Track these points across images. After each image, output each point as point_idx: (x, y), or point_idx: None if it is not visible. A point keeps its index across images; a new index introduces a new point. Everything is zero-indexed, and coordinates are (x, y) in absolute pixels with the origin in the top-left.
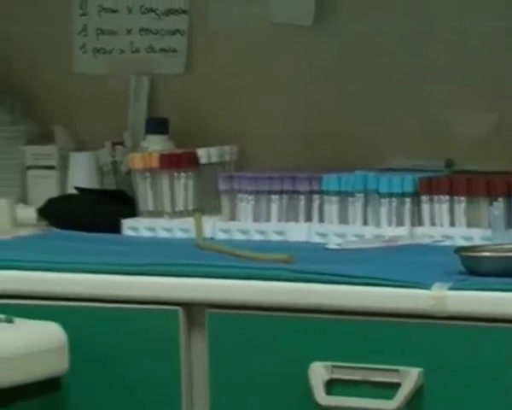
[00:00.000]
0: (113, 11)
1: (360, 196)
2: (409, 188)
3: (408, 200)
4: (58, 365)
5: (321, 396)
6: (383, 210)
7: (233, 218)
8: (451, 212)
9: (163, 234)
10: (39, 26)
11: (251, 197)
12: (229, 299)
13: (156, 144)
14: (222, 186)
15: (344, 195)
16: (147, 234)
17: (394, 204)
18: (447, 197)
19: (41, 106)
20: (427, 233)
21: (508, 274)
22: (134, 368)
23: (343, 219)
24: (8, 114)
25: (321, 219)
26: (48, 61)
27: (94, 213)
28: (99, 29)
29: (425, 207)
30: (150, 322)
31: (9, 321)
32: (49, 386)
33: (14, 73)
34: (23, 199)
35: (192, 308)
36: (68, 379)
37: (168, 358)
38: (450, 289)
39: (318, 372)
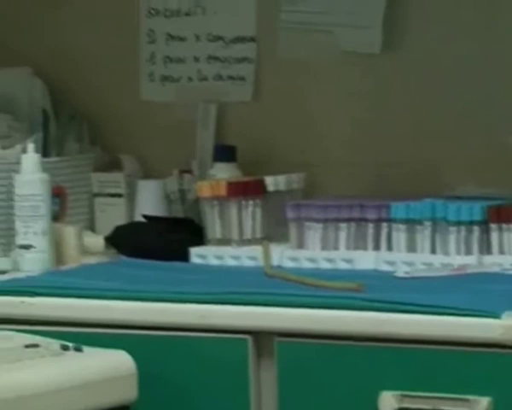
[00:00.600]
0: (181, 39)
1: (428, 224)
2: (477, 216)
3: (476, 228)
4: (127, 393)
5: None
6: (451, 238)
7: (301, 246)
8: None
9: (231, 262)
10: (108, 55)
11: (319, 225)
12: (299, 327)
13: (224, 172)
14: (290, 214)
15: (412, 223)
16: (215, 262)
17: (463, 232)
18: None
19: (109, 134)
20: (496, 262)
21: None
22: (203, 396)
23: (411, 248)
24: (76, 142)
25: (389, 247)
26: (116, 88)
27: (162, 241)
28: (167, 57)
29: (494, 236)
30: (219, 350)
31: (78, 350)
32: None
33: (83, 101)
34: (91, 227)
35: (261, 337)
36: (137, 407)
37: (237, 386)
38: None
39: (388, 402)
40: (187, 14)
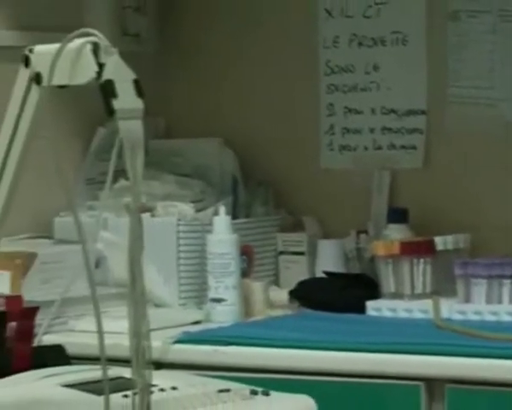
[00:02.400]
0: (358, 112)
1: None
2: None
3: None
4: None
5: None
6: None
7: (468, 300)
8: None
9: (403, 314)
10: (291, 128)
11: (484, 281)
12: (468, 375)
13: (397, 233)
14: (457, 271)
15: None
16: (389, 314)
17: None
18: None
19: (292, 198)
20: None
21: None
22: None
23: None
24: (262, 206)
25: None
26: (298, 158)
27: (341, 295)
28: (345, 128)
29: None
30: (395, 396)
31: (266, 394)
32: None
33: (269, 169)
34: (276, 282)
35: (433, 384)
36: None
37: None
38: None
39: None
40: (363, 90)
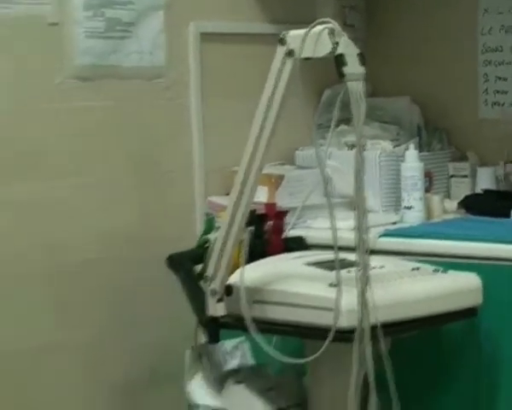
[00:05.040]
0: (505, 79)
1: None
2: None
3: None
4: (474, 299)
5: None
6: None
7: None
8: None
9: None
10: (459, 90)
11: None
12: None
13: None
14: None
15: None
16: None
17: None
18: None
19: (459, 138)
20: None
21: None
22: None
23: None
24: (438, 144)
25: None
26: (463, 111)
27: (494, 205)
28: (495, 90)
29: None
30: None
31: (444, 272)
32: (467, 313)
33: (442, 118)
34: (448, 196)
35: None
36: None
37: None
38: None
39: None
40: (508, 64)
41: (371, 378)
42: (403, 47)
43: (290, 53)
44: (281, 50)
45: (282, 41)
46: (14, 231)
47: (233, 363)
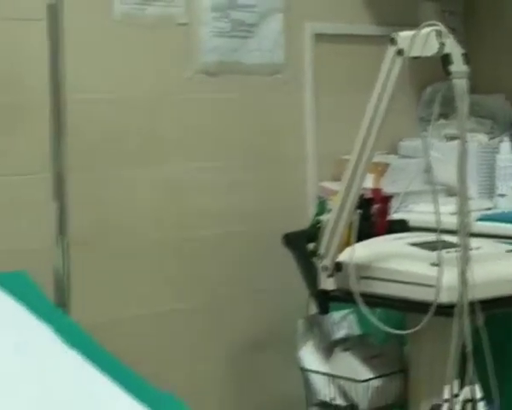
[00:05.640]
0: None
1: None
2: None
3: None
4: None
5: None
6: None
7: None
8: None
9: None
10: None
11: None
12: None
13: None
14: None
15: None
16: None
17: None
18: None
19: None
20: None
21: None
22: None
23: None
24: None
25: None
26: None
27: None
28: None
29: None
30: None
31: None
32: None
33: None
34: None
35: None
36: None
37: None
38: None
39: None
40: None
41: (469, 348)
42: (498, 49)
43: (400, 52)
44: (391, 50)
45: (392, 41)
46: (156, 204)
47: (340, 333)
